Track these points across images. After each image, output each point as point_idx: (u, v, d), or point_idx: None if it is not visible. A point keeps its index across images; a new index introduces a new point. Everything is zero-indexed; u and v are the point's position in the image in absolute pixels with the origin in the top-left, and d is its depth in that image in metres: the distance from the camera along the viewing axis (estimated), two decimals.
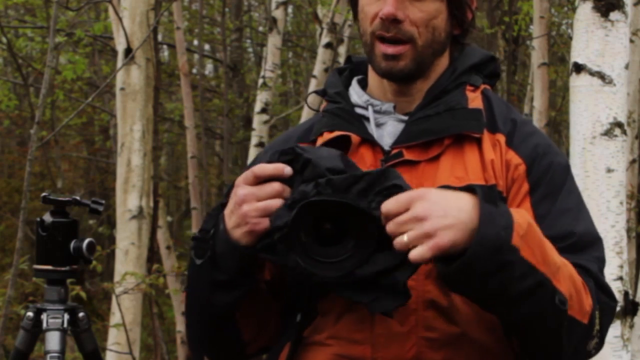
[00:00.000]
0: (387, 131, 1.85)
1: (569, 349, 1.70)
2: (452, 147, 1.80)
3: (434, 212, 1.56)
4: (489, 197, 1.60)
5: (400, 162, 1.78)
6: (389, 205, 1.57)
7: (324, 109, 1.93)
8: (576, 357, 1.74)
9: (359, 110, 1.89)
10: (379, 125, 1.86)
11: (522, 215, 1.63)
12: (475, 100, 1.85)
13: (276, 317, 1.86)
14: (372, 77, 1.91)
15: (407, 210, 1.56)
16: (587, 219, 1.82)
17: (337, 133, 1.84)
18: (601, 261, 1.80)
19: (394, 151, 1.81)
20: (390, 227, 1.57)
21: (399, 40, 1.80)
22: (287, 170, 1.64)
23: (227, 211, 1.69)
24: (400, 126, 1.84)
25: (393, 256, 1.60)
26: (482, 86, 1.90)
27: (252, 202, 1.64)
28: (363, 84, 1.94)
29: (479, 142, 1.81)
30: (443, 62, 1.90)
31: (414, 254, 1.55)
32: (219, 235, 1.70)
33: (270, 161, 1.67)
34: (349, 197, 1.60)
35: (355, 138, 1.83)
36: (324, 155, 1.66)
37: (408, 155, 1.79)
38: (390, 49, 1.80)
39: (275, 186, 1.64)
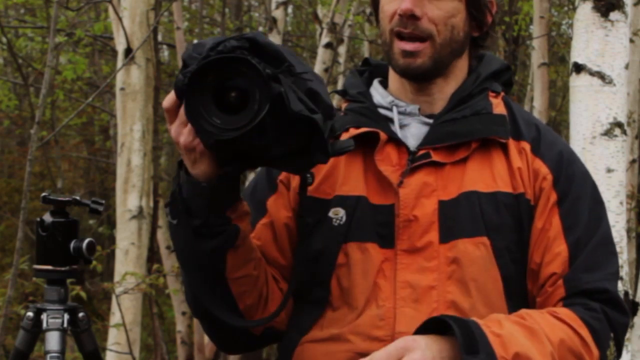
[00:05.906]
0: (411, 132, 1.87)
1: None
2: (478, 151, 1.82)
3: None
4: (470, 347, 1.61)
5: (426, 163, 1.80)
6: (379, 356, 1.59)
7: (346, 107, 1.94)
8: None
9: (382, 111, 1.91)
10: (402, 126, 1.88)
11: (501, 341, 1.63)
12: (498, 106, 1.88)
13: (280, 295, 1.84)
14: (393, 77, 1.93)
15: None
16: (604, 230, 1.83)
17: (364, 129, 1.86)
18: (616, 275, 1.81)
19: (421, 152, 1.83)
20: None
21: (417, 37, 1.82)
22: (178, 94, 1.62)
23: (183, 160, 1.71)
24: (424, 128, 1.87)
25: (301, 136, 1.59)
26: (502, 93, 1.93)
27: (183, 129, 1.65)
28: (383, 86, 1.96)
29: (504, 149, 1.83)
30: (462, 64, 1.92)
31: None
32: (183, 183, 1.71)
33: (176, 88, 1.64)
34: (242, 55, 1.56)
35: (382, 135, 1.85)
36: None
37: (435, 157, 1.81)
38: (408, 46, 1.82)
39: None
